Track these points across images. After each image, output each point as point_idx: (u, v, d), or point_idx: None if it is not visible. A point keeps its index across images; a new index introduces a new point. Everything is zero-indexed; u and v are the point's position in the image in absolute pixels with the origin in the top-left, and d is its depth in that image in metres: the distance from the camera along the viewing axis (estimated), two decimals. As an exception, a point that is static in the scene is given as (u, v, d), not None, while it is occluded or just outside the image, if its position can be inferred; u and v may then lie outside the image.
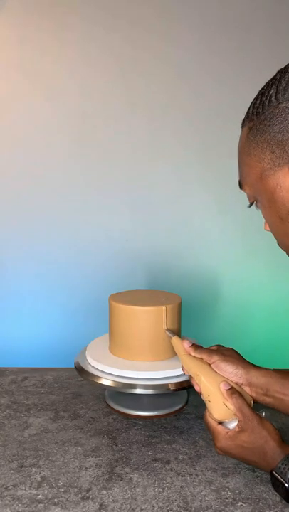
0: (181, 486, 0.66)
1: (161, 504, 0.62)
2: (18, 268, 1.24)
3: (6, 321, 1.26)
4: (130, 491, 0.65)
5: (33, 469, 0.69)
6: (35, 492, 0.64)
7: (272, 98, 0.51)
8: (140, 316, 0.83)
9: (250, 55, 1.19)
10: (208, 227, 1.26)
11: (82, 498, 0.63)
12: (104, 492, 0.64)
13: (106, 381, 0.79)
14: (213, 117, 1.21)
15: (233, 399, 0.65)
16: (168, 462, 0.72)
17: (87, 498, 0.63)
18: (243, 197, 0.61)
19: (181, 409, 0.88)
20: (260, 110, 0.52)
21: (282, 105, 0.50)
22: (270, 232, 0.60)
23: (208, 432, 0.79)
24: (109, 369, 0.81)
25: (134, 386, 0.78)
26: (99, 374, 0.81)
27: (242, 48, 1.19)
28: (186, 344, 0.73)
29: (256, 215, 0.61)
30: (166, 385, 0.79)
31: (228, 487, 0.66)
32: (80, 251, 1.24)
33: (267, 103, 0.51)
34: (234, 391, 0.66)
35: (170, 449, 0.75)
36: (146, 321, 0.83)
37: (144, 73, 1.19)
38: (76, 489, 0.65)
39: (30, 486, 0.65)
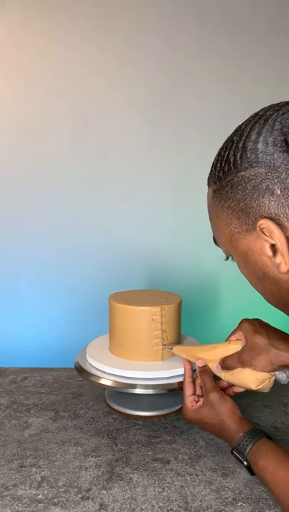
0: (181, 486, 0.66)
1: (161, 504, 0.62)
2: (18, 268, 1.24)
3: (6, 321, 1.26)
4: (130, 490, 0.65)
5: (33, 469, 0.69)
6: (35, 492, 0.64)
7: (231, 165, 0.50)
8: (140, 316, 0.83)
9: (250, 54, 1.19)
10: (209, 227, 1.26)
11: (82, 498, 0.63)
12: (105, 492, 0.64)
13: (106, 381, 0.79)
14: (213, 117, 1.21)
15: (201, 375, 0.74)
16: (168, 462, 0.72)
17: (87, 498, 0.63)
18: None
19: (181, 409, 0.88)
20: (221, 175, 0.51)
21: (241, 174, 0.49)
22: None
23: (208, 432, 0.80)
24: (109, 369, 0.81)
25: (134, 386, 0.78)
26: (99, 374, 0.81)
27: (242, 47, 1.19)
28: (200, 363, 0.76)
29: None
30: (166, 384, 0.79)
31: (228, 487, 0.66)
32: (80, 251, 1.24)
33: (226, 169, 0.50)
34: (203, 370, 0.74)
35: (170, 449, 0.75)
36: (146, 321, 0.83)
37: (144, 73, 1.19)
38: (76, 489, 0.65)
39: (30, 486, 0.65)
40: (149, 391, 0.78)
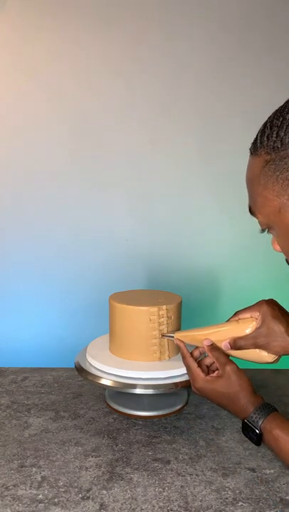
0: (182, 486, 0.66)
1: (161, 504, 0.62)
2: (19, 268, 1.24)
3: (6, 321, 1.26)
4: (130, 490, 0.65)
5: (34, 469, 0.69)
6: (35, 492, 0.64)
7: None
8: (138, 316, 0.83)
9: (251, 52, 1.18)
10: (209, 227, 1.26)
11: (83, 498, 0.63)
12: (105, 492, 0.64)
13: (106, 381, 0.79)
14: (213, 115, 1.21)
15: (211, 352, 0.73)
16: (168, 462, 0.72)
17: (88, 498, 0.63)
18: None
19: (181, 409, 0.88)
20: (279, 145, 0.50)
21: None
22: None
23: (208, 432, 0.80)
24: (109, 369, 0.81)
25: (134, 386, 0.78)
26: (99, 374, 0.81)
27: (243, 45, 1.18)
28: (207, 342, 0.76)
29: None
30: (166, 384, 0.79)
31: (228, 487, 0.66)
32: (80, 251, 1.24)
33: (287, 140, 0.49)
34: (213, 347, 0.74)
35: (170, 449, 0.75)
36: (145, 321, 0.83)
37: (144, 70, 1.18)
38: (76, 489, 0.65)
39: (30, 486, 0.65)
40: (149, 391, 0.78)
